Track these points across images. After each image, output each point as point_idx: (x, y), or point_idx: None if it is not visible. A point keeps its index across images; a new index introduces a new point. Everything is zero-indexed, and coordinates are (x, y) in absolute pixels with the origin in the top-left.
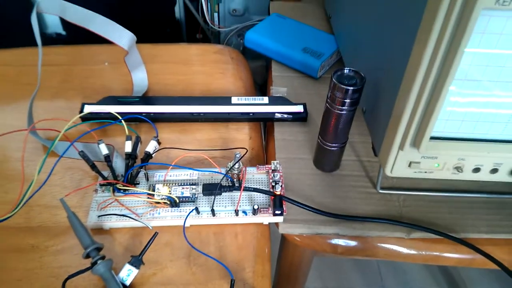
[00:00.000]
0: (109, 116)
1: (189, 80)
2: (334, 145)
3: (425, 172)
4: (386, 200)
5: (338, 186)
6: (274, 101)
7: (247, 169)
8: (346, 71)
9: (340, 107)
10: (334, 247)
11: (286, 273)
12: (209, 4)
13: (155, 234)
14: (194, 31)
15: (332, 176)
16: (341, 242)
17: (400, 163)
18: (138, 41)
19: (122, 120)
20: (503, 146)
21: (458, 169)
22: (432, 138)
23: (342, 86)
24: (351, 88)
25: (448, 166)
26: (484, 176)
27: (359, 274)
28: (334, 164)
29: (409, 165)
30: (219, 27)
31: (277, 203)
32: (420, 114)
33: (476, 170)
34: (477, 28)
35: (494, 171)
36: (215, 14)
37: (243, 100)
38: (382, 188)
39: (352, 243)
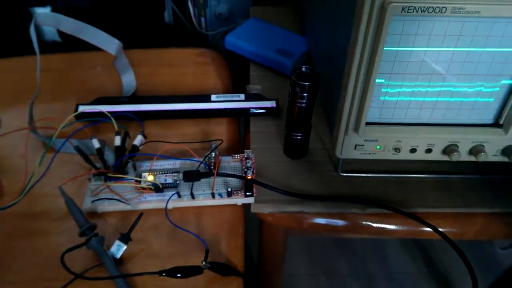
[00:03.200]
0: (101, 115)
1: (174, 80)
2: (298, 134)
3: (369, 153)
4: (347, 182)
5: (304, 171)
6: (249, 97)
7: (223, 157)
8: (303, 69)
9: (299, 100)
10: (300, 223)
11: (265, 252)
12: (196, 9)
13: (141, 214)
14: (183, 34)
15: (300, 162)
16: (305, 219)
17: (348, 146)
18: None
19: (112, 118)
20: (431, 128)
21: (397, 150)
22: (369, 123)
23: (299, 82)
24: (307, 83)
25: (388, 148)
26: (420, 155)
27: (345, 260)
28: (301, 151)
29: (355, 148)
30: (206, 31)
31: (248, 186)
32: (356, 104)
33: (413, 150)
34: (395, 30)
35: (429, 151)
36: (202, 19)
37: (221, 97)
38: (343, 172)
39: (315, 219)
